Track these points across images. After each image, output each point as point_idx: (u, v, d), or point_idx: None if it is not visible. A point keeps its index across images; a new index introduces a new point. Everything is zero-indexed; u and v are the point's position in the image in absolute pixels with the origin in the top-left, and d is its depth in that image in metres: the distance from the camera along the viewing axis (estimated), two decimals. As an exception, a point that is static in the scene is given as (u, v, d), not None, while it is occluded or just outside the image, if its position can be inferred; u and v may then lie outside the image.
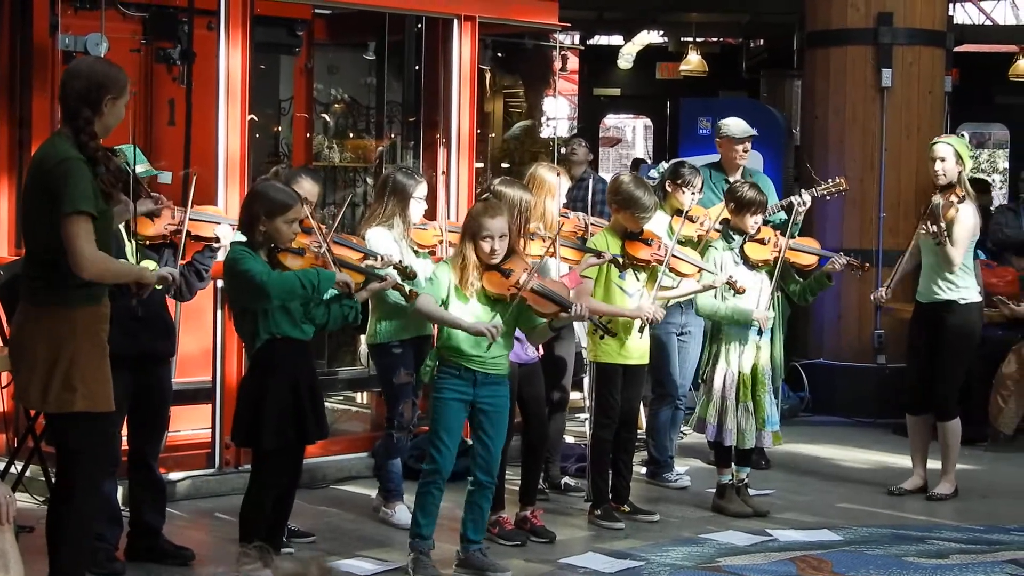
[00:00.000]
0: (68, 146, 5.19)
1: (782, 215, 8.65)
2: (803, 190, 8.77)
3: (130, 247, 6.20)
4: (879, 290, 8.48)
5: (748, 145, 8.95)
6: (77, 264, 5.10)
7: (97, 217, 5.15)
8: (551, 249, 7.06)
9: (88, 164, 5.17)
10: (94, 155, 5.19)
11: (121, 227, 6.05)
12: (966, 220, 8.09)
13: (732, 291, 7.54)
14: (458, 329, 6.30)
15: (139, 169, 6.19)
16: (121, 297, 5.66)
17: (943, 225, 7.98)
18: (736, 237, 7.78)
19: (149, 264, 6.24)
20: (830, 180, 8.78)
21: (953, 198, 8.08)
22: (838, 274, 7.94)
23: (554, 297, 6.34)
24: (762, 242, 7.76)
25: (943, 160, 8.14)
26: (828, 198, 8.98)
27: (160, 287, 6.31)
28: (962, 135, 8.55)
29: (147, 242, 6.39)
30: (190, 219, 6.49)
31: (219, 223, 6.70)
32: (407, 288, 6.59)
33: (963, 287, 8.22)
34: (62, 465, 5.46)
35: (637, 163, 17.83)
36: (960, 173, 8.16)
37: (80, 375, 5.21)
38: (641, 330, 7.28)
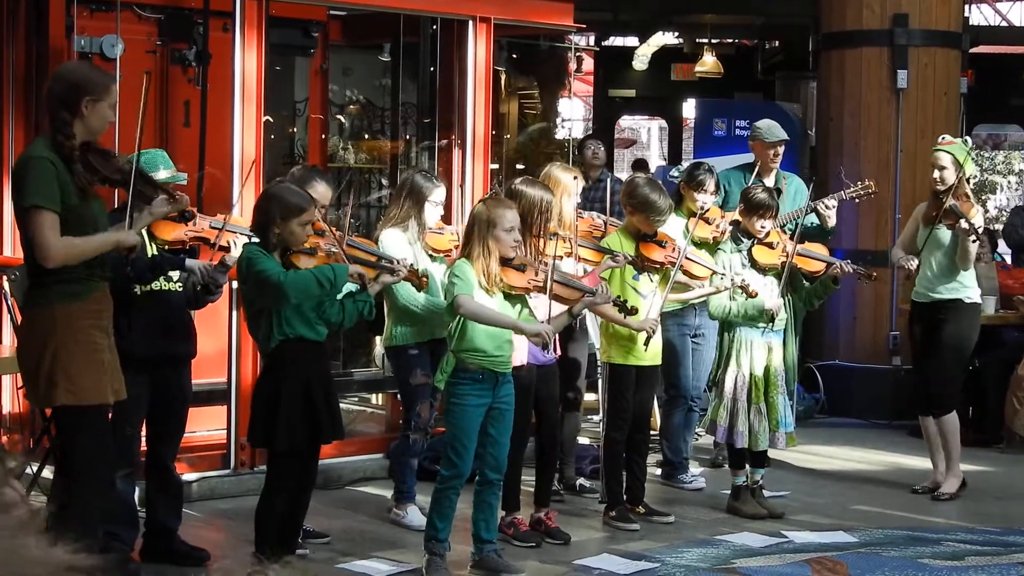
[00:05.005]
0: (41, 146, 5.33)
1: (812, 218, 8.64)
2: (831, 193, 8.77)
3: (150, 251, 6.21)
4: (910, 261, 8.25)
5: (780, 149, 8.94)
6: (40, 255, 5.23)
7: (60, 212, 5.22)
8: (570, 249, 7.05)
9: (62, 163, 5.26)
10: (70, 154, 5.29)
11: (144, 232, 6.01)
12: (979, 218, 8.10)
13: (744, 294, 7.53)
14: (514, 330, 6.24)
15: (164, 175, 6.18)
16: (118, 276, 5.66)
17: (973, 222, 7.97)
18: (745, 240, 7.77)
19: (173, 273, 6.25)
20: (859, 183, 8.77)
21: (963, 197, 8.10)
22: (846, 279, 7.91)
23: (576, 284, 6.34)
24: (770, 246, 7.75)
25: (943, 168, 8.16)
26: (857, 200, 8.96)
27: (180, 288, 6.33)
28: (965, 139, 8.52)
29: (166, 246, 6.39)
30: (226, 229, 6.47)
31: (251, 236, 6.58)
32: (419, 276, 6.57)
33: (969, 286, 8.26)
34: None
35: (640, 164, 17.85)
36: (959, 177, 8.15)
37: (62, 369, 5.30)
38: (647, 343, 7.27)
